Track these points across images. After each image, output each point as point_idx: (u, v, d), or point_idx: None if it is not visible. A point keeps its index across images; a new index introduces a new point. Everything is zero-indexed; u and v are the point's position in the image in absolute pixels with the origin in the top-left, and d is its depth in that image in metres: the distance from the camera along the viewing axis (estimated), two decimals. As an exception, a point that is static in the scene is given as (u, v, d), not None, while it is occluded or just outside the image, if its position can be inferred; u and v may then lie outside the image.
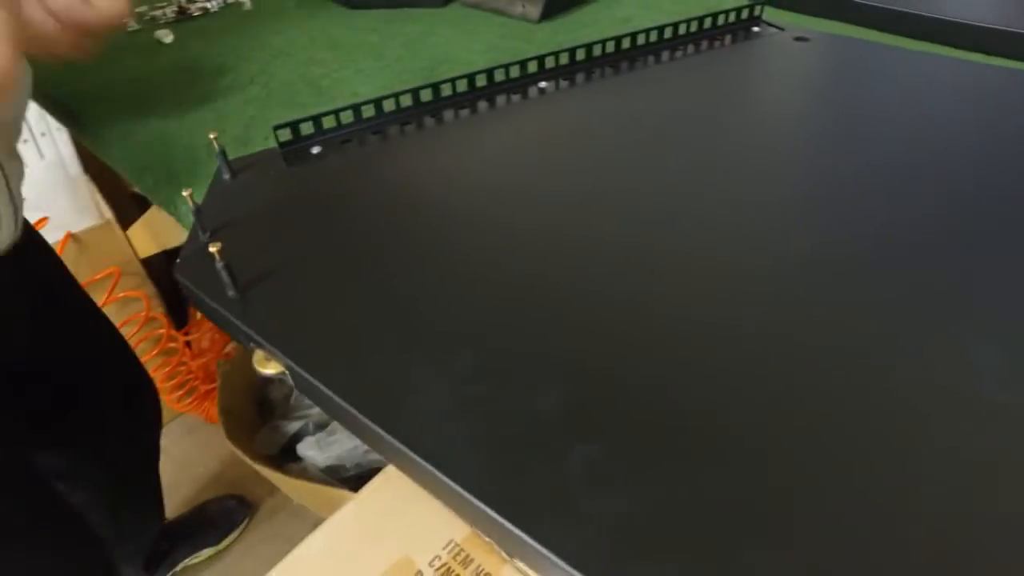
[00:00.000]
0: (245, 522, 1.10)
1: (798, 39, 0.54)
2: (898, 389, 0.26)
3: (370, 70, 0.59)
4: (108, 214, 1.12)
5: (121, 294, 1.10)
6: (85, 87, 0.58)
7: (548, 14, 0.65)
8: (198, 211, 0.34)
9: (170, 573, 1.05)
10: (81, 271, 1.08)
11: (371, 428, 0.26)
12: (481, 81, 0.47)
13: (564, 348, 0.28)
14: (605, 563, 0.21)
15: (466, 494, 0.23)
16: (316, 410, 1.01)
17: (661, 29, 0.52)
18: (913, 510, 0.22)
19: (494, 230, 0.36)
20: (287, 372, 0.29)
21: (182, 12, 0.74)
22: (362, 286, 0.32)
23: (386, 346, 0.29)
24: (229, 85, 0.58)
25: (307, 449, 0.91)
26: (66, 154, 1.12)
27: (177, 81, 0.59)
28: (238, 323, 0.30)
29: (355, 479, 0.90)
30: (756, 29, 0.56)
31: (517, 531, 0.22)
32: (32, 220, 1.04)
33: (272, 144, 0.43)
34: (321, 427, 0.96)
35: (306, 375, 0.28)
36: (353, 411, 0.26)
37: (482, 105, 0.47)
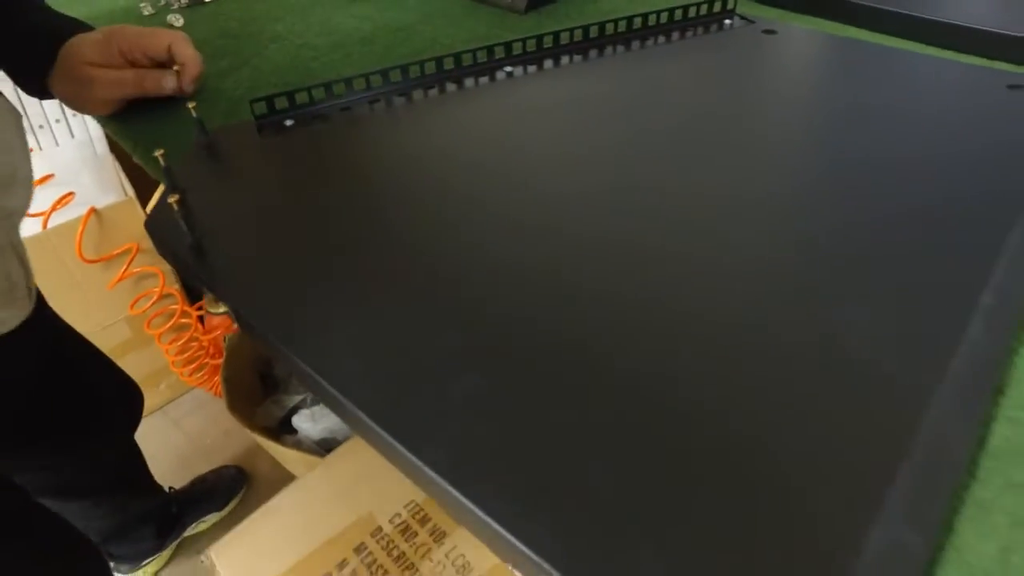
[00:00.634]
0: (244, 489, 1.16)
1: (766, 31, 0.56)
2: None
3: (358, 55, 0.62)
4: (130, 192, 1.17)
5: (138, 269, 1.16)
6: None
7: (534, 5, 0.68)
8: (167, 170, 0.38)
9: (181, 536, 1.11)
10: (102, 245, 1.14)
11: (286, 354, 0.29)
12: (449, 64, 0.50)
13: (473, 295, 0.31)
14: (469, 473, 0.23)
15: (362, 416, 0.26)
16: (315, 386, 1.05)
17: (630, 19, 0.54)
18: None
19: (435, 193, 0.38)
20: (231, 312, 0.32)
21: (194, -2, 0.78)
22: (309, 242, 0.35)
23: (319, 291, 0.32)
24: (226, 67, 0.61)
25: (302, 421, 0.94)
26: (95, 135, 1.19)
27: (179, 61, 0.63)
28: (193, 267, 0.34)
29: (347, 452, 0.94)
30: (728, 22, 0.58)
31: (399, 446, 0.25)
32: (58, 196, 1.10)
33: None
34: (317, 401, 0.99)
35: (244, 315, 0.31)
36: (275, 342, 0.29)
37: (450, 86, 0.49)
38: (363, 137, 0.45)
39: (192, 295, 1.29)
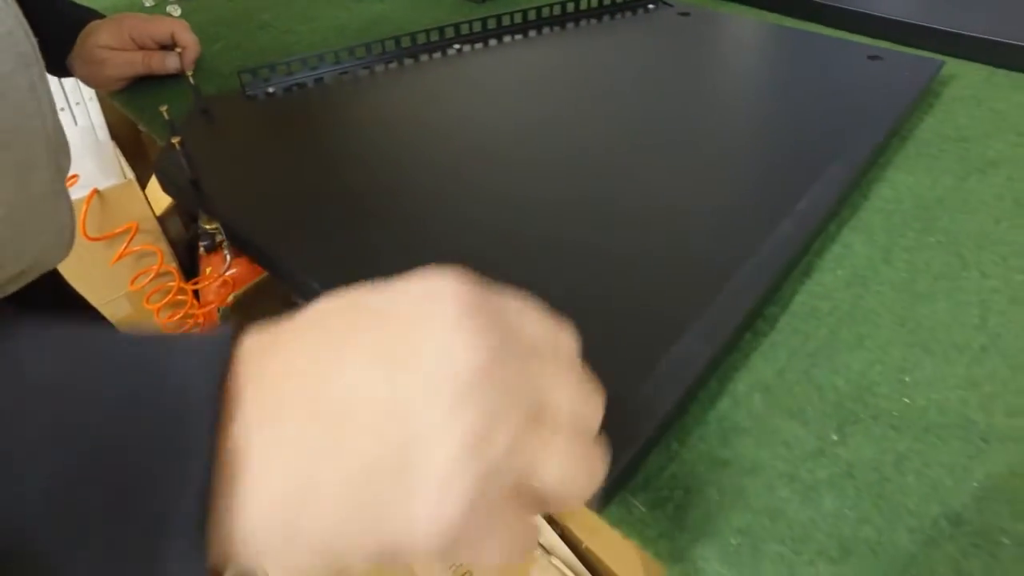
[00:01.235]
0: None
1: (681, 14, 0.65)
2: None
3: (334, 40, 0.71)
4: (130, 174, 1.26)
5: (138, 247, 1.24)
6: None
7: (491, -5, 0.77)
8: (170, 121, 0.47)
9: None
10: (104, 224, 1.22)
11: (266, 252, 0.38)
12: (406, 42, 0.59)
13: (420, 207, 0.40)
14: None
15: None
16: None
17: (564, 4, 0.64)
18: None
19: (386, 141, 0.48)
20: (221, 227, 0.42)
21: (191, -9, 0.87)
22: (284, 177, 0.44)
23: (292, 209, 0.41)
24: (218, 49, 0.70)
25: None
26: (97, 122, 1.28)
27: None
28: (192, 195, 0.43)
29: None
30: (652, 6, 0.67)
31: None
32: (64, 177, 1.19)
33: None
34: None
35: (232, 225, 0.40)
36: (259, 242, 0.38)
37: (407, 61, 0.59)
38: (332, 101, 0.54)
39: (188, 272, 1.38)
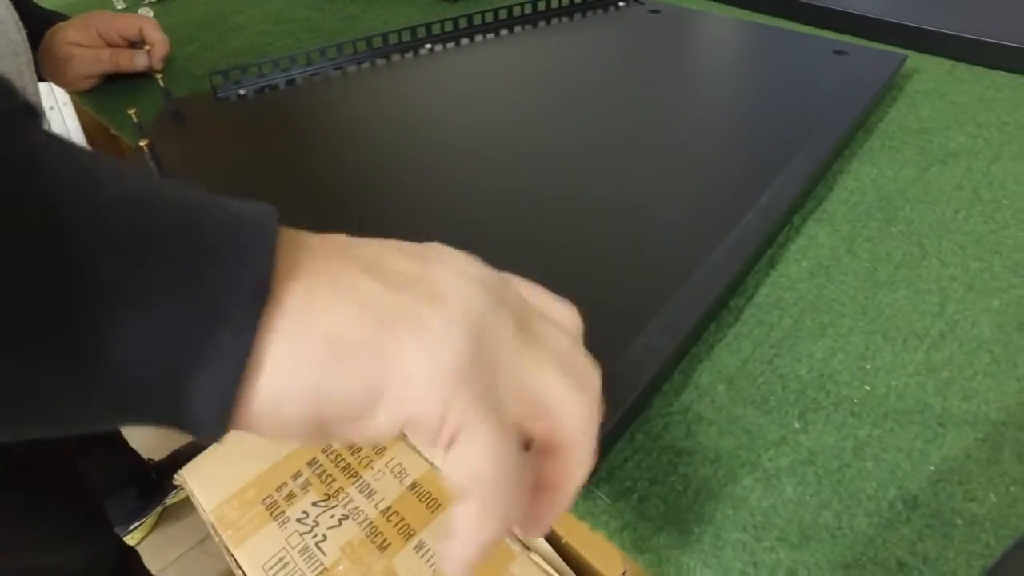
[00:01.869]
0: None
1: (651, 11, 0.66)
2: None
3: (307, 41, 0.71)
4: (107, 181, 1.25)
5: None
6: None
7: (464, -6, 0.77)
8: (139, 124, 0.47)
9: (163, 503, 1.17)
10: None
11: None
12: (378, 43, 0.59)
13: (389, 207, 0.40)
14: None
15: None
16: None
17: (535, 2, 0.64)
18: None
19: (356, 141, 0.48)
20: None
21: (163, -6, 0.86)
22: (256, 179, 0.44)
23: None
24: (192, 51, 0.70)
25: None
26: (72, 127, 1.26)
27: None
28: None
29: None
30: (622, 4, 0.68)
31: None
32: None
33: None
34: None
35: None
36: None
37: (379, 61, 0.59)
38: (303, 102, 0.54)
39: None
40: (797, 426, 0.31)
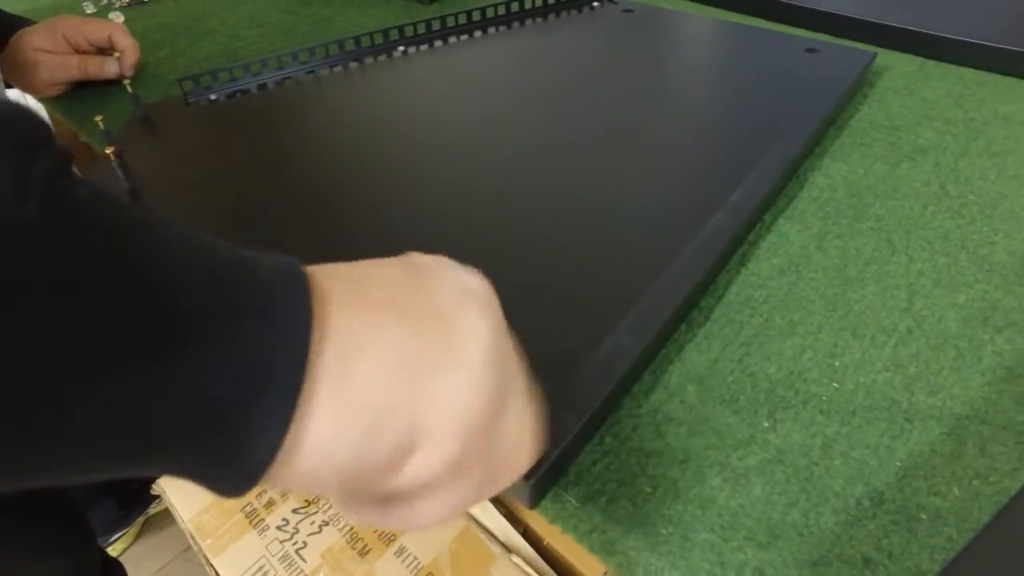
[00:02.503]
0: None
1: (625, 11, 0.66)
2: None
3: (281, 44, 0.70)
4: (83, 188, 1.23)
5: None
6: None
7: (438, -5, 0.77)
8: (106, 131, 0.46)
9: (145, 513, 1.16)
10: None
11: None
12: (350, 45, 0.59)
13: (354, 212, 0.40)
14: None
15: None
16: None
17: (508, 3, 0.64)
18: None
19: (329, 146, 0.48)
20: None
21: (135, -1, 0.85)
22: (227, 187, 0.44)
23: (230, 217, 0.40)
24: (163, 56, 0.69)
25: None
26: (46, 134, 1.24)
27: (120, 54, 0.71)
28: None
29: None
30: (596, 4, 0.68)
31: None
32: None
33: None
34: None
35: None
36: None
37: (352, 64, 0.58)
38: (275, 107, 0.54)
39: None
40: (766, 425, 0.31)
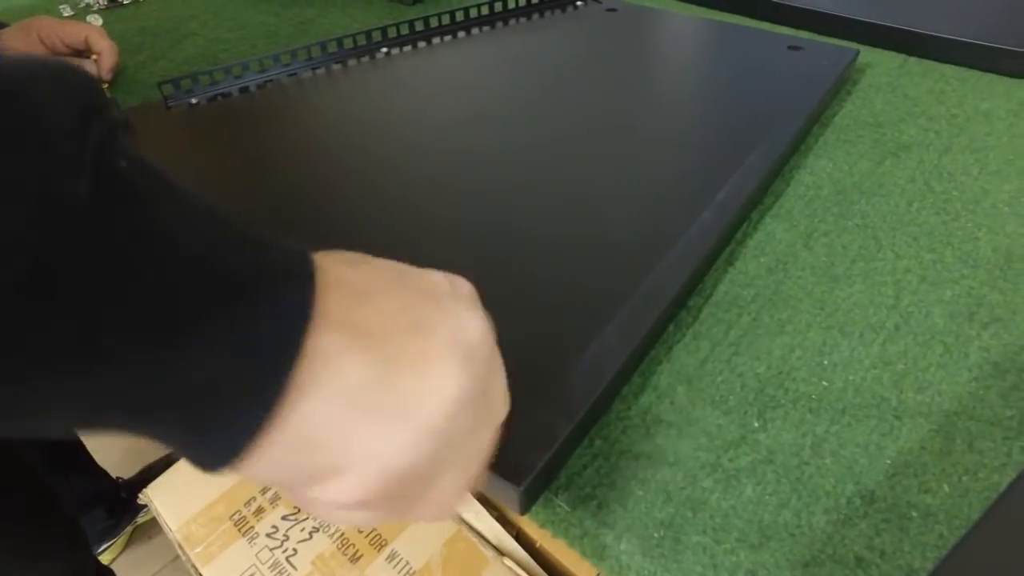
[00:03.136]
0: None
1: (609, 10, 0.66)
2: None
3: (263, 46, 0.70)
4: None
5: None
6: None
7: (421, -4, 0.76)
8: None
9: (134, 522, 1.15)
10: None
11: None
12: (332, 47, 0.58)
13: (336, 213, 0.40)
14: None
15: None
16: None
17: (492, 3, 0.63)
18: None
19: (313, 149, 0.47)
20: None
21: (113, 0, 0.84)
22: (207, 188, 0.43)
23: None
24: (143, 60, 0.68)
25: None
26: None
27: (98, 57, 0.69)
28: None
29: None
30: (580, 3, 0.68)
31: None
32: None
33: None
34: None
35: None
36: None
37: (335, 66, 0.58)
38: (257, 110, 0.53)
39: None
40: (756, 425, 0.31)
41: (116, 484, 1.12)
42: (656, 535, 0.27)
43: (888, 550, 0.26)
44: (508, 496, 0.27)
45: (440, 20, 0.62)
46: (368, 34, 0.59)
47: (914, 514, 0.27)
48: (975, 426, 0.30)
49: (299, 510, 0.62)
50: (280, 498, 0.64)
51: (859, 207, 0.43)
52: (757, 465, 0.29)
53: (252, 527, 0.62)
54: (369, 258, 0.21)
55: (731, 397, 0.32)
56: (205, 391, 0.16)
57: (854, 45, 0.58)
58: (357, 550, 0.59)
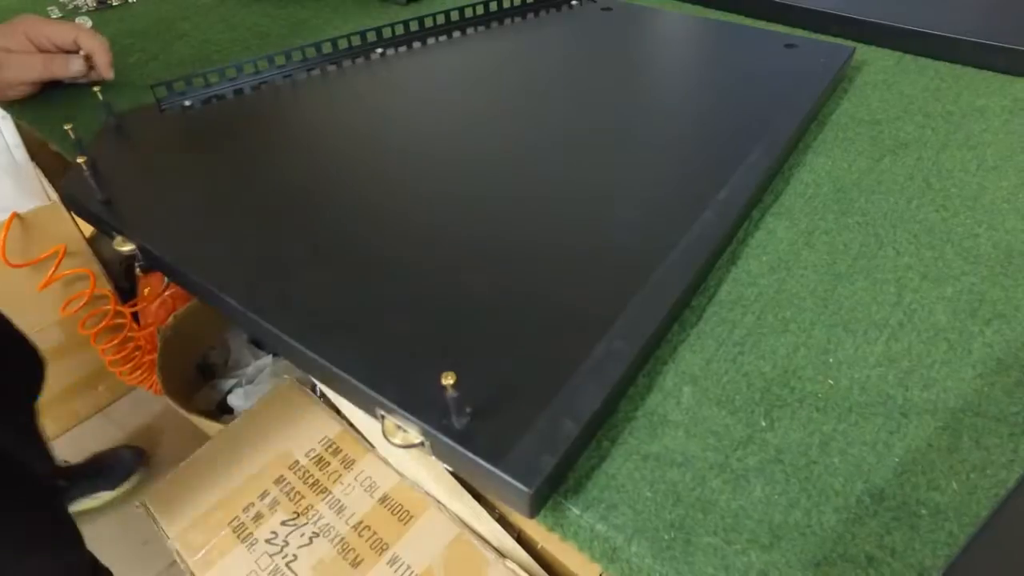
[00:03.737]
0: (140, 471, 1.19)
1: (604, 9, 0.66)
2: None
3: (256, 47, 0.69)
4: (54, 196, 1.20)
5: (68, 271, 1.19)
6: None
7: (415, -3, 0.76)
8: (77, 140, 0.45)
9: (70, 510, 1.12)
10: (29, 250, 1.16)
11: (181, 271, 0.36)
12: (327, 48, 0.57)
13: (322, 220, 0.39)
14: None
15: (234, 304, 0.34)
16: (250, 368, 1.11)
17: (487, 3, 0.63)
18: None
19: (305, 150, 0.47)
20: (138, 250, 0.40)
21: (102, 1, 0.83)
22: (201, 195, 0.42)
23: (205, 228, 0.39)
24: (134, 62, 0.68)
25: (236, 400, 1.00)
26: (12, 142, 1.21)
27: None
28: (101, 216, 0.41)
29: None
30: (575, 3, 0.67)
31: (258, 319, 0.32)
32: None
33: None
34: (251, 380, 1.05)
35: (148, 248, 0.38)
36: (173, 263, 0.37)
37: (330, 68, 0.57)
38: (251, 112, 0.52)
39: (127, 294, 1.32)
40: (763, 424, 0.31)
41: (57, 471, 1.09)
42: (666, 537, 0.27)
43: (899, 548, 0.26)
44: (517, 500, 0.26)
45: (435, 20, 0.61)
46: (363, 34, 0.59)
47: (923, 512, 0.27)
48: (981, 422, 0.30)
49: (298, 515, 0.61)
50: (279, 503, 0.64)
51: (859, 204, 0.43)
52: (766, 465, 0.29)
53: (251, 533, 0.61)
54: None
55: (737, 397, 0.32)
56: None
57: (849, 43, 0.58)
58: (358, 555, 0.58)
